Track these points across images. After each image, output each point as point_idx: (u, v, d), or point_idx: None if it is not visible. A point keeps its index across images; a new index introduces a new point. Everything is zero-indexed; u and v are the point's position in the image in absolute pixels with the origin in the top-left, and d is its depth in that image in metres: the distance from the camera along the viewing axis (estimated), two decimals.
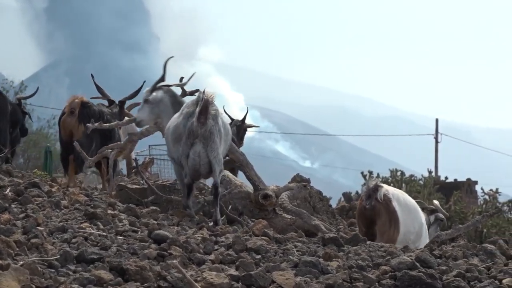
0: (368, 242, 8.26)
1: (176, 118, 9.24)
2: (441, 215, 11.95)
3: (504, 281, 6.50)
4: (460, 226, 11.71)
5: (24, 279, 5.43)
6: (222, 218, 9.27)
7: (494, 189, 20.87)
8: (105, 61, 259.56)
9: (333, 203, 16.31)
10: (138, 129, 13.25)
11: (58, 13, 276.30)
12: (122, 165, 16.39)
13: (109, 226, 7.73)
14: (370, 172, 21.22)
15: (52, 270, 5.89)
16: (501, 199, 20.80)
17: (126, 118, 12.44)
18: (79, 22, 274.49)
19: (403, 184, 19.48)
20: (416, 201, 11.51)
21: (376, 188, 10.02)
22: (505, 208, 20.03)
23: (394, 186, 16.88)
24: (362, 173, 21.33)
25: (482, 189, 22.08)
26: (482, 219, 11.58)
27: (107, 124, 11.79)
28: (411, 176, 21.10)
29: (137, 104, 13.20)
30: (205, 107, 8.90)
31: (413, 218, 10.35)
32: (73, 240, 6.84)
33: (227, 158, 10.57)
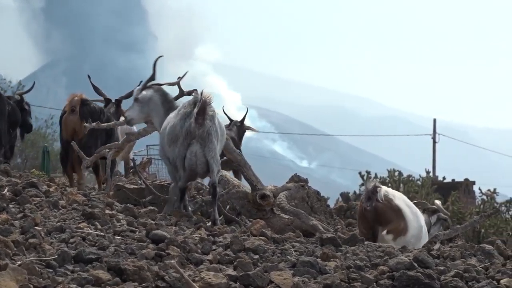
0: (366, 242, 8.26)
1: (172, 118, 9.22)
2: (443, 215, 11.98)
3: (502, 281, 6.51)
4: (458, 226, 11.72)
5: (22, 279, 5.42)
6: (220, 218, 9.27)
7: (492, 189, 20.90)
8: (102, 61, 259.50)
9: (331, 203, 16.31)
10: (135, 129, 13.27)
11: (56, 13, 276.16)
12: (120, 165, 16.39)
13: (107, 226, 7.72)
14: (368, 172, 21.23)
15: (50, 270, 5.89)
16: (499, 199, 20.84)
17: (123, 118, 12.43)
18: (77, 22, 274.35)
19: (401, 184, 19.49)
20: (417, 201, 11.55)
21: (375, 189, 10.03)
22: (503, 208, 20.03)
23: (391, 186, 16.92)
24: (360, 173, 21.34)
25: (480, 189, 22.10)
26: (480, 219, 11.58)
27: (105, 124, 11.78)
28: (409, 176, 21.11)
29: None
30: (203, 108, 8.91)
31: (415, 219, 10.37)
32: (71, 240, 6.83)
33: (225, 158, 10.57)
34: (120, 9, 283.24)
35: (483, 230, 17.47)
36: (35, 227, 7.11)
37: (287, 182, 12.10)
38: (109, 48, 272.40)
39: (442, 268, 6.79)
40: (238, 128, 17.13)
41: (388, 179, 20.32)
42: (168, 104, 9.85)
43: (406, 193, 16.15)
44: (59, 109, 13.29)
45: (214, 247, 7.26)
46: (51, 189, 9.88)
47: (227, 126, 17.04)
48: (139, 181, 11.45)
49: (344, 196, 20.71)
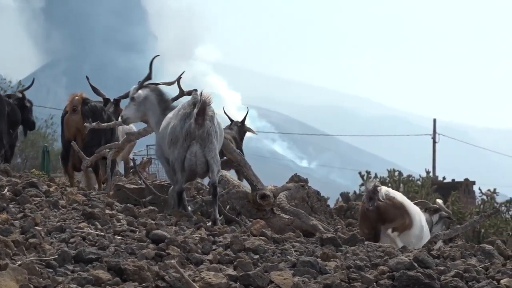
0: (366, 242, 8.26)
1: (171, 119, 9.21)
2: (444, 213, 12.04)
3: (502, 281, 6.51)
4: (458, 226, 11.71)
5: (22, 279, 5.43)
6: (220, 218, 9.27)
7: (492, 189, 20.89)
8: (102, 61, 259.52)
9: (331, 203, 16.31)
10: (135, 129, 13.27)
11: (56, 13, 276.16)
12: (120, 165, 16.38)
13: (107, 226, 7.72)
14: (368, 172, 21.22)
15: (50, 270, 5.89)
16: (499, 199, 20.83)
17: None
18: (77, 22, 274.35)
19: (401, 184, 19.49)
20: (419, 201, 11.58)
21: (375, 189, 10.07)
22: (503, 208, 20.03)
23: (392, 186, 16.92)
24: (360, 173, 21.32)
25: (480, 189, 22.08)
26: (480, 220, 11.57)
27: (105, 124, 11.77)
28: (409, 176, 21.10)
29: None
30: (203, 108, 8.92)
31: (417, 216, 10.41)
32: (71, 240, 6.83)
33: (225, 158, 10.58)
34: (120, 9, 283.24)
35: (483, 230, 17.47)
36: (35, 227, 7.11)
37: (287, 182, 12.10)
38: (109, 48, 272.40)
39: (442, 268, 6.79)
40: (239, 128, 17.14)
41: (388, 179, 20.32)
42: (164, 103, 9.85)
43: (406, 193, 16.17)
44: (59, 109, 13.28)
45: (214, 247, 7.26)
46: (51, 189, 9.88)
47: (228, 127, 17.06)
48: (139, 181, 11.45)
49: (344, 196, 20.68)
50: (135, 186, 10.90)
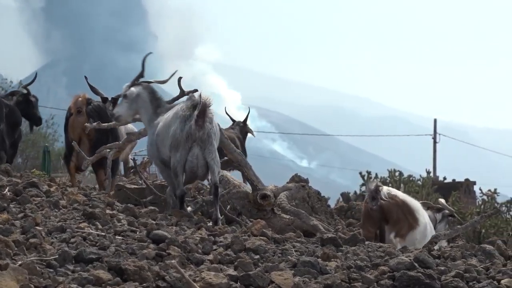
0: (366, 243, 8.26)
1: (171, 122, 9.18)
2: (448, 212, 12.09)
3: (502, 281, 6.51)
4: (458, 226, 11.71)
5: (22, 279, 5.42)
6: (221, 217, 9.27)
7: (492, 190, 20.86)
8: (102, 60, 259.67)
9: (331, 203, 16.32)
10: (136, 129, 13.26)
11: (56, 13, 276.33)
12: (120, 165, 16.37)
13: (108, 226, 7.72)
14: (369, 173, 21.21)
15: (51, 270, 5.89)
16: (500, 199, 20.80)
17: None
18: (77, 22, 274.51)
19: (401, 185, 19.46)
20: (421, 202, 11.59)
21: (377, 188, 10.12)
22: (504, 208, 20.01)
23: (392, 186, 16.89)
24: (360, 173, 21.32)
25: (480, 189, 22.06)
26: (481, 220, 11.55)
27: (105, 124, 11.76)
28: (410, 176, 21.10)
29: None
30: (203, 110, 8.93)
31: (421, 214, 10.45)
32: (72, 240, 6.84)
33: (225, 158, 10.58)
34: (120, 9, 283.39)
35: (483, 230, 17.47)
36: (36, 227, 7.11)
37: (287, 182, 12.11)
38: (109, 48, 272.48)
39: (442, 268, 6.79)
40: (241, 128, 17.19)
41: (388, 179, 20.31)
42: (156, 101, 9.82)
43: (406, 193, 16.09)
44: (59, 109, 13.30)
45: (214, 247, 7.26)
46: (51, 189, 9.88)
47: (230, 127, 17.10)
48: (140, 181, 11.45)
49: (345, 196, 20.70)
50: (136, 186, 10.90)
